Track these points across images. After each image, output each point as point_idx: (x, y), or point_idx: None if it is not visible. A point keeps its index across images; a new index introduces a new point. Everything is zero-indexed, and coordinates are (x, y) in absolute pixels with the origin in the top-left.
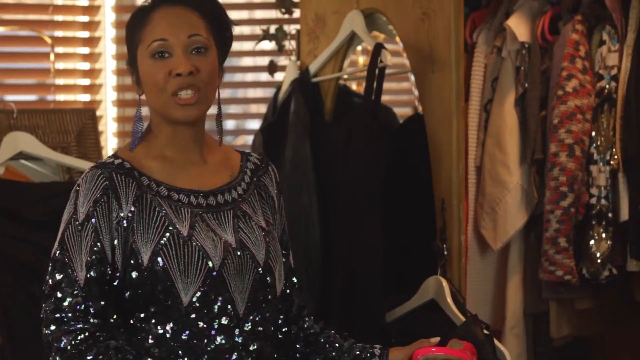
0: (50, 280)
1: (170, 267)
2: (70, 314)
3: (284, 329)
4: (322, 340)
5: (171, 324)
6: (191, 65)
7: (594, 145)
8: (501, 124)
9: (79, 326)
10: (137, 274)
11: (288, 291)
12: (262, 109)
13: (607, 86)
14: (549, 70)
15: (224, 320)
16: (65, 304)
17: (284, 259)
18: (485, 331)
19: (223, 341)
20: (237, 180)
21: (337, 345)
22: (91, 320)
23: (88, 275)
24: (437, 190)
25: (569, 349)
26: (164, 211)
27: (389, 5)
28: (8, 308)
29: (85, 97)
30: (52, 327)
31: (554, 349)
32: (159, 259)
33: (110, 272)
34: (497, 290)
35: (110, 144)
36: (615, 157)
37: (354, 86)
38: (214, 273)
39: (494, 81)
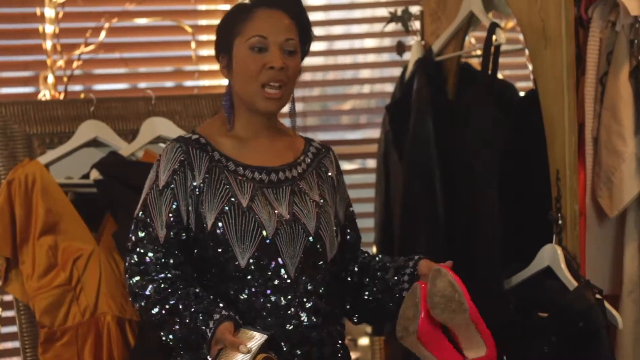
0: (133, 237)
1: (229, 232)
2: (152, 266)
3: (349, 270)
4: (372, 265)
5: (231, 284)
6: (283, 62)
7: None
8: (616, 96)
9: (161, 276)
10: (202, 236)
11: (355, 251)
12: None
13: None
14: None
15: (277, 282)
16: (148, 258)
17: (351, 226)
18: (598, 296)
19: (278, 299)
20: (299, 161)
21: (382, 264)
22: (172, 271)
23: (167, 235)
24: (552, 161)
25: None
26: (229, 183)
27: None
28: None
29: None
30: (137, 278)
31: None
32: (220, 224)
33: (185, 233)
34: (615, 256)
35: None
36: None
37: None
38: (267, 241)
39: (609, 54)
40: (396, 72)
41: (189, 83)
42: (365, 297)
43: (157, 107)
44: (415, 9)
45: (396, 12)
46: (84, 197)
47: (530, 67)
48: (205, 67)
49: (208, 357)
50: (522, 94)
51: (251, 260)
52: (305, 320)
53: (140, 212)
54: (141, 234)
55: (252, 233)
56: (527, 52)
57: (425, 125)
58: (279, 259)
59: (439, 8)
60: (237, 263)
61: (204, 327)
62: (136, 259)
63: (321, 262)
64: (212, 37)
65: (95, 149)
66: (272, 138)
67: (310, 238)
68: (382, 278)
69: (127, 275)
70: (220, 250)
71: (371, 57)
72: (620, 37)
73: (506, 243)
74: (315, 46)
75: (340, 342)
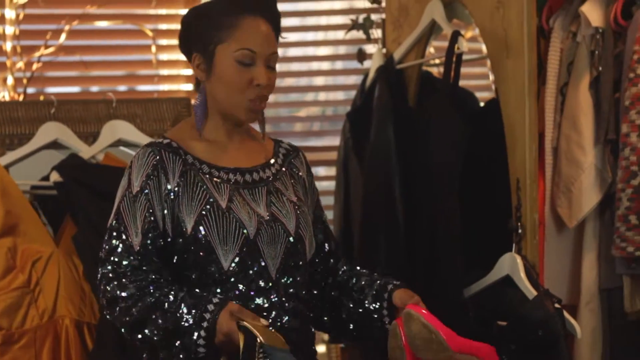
0: (107, 246)
1: (211, 235)
2: (129, 272)
3: (323, 283)
4: (350, 285)
5: (214, 288)
6: (268, 78)
7: None
8: (576, 106)
9: (140, 277)
10: (182, 241)
11: (328, 253)
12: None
13: None
14: (622, 54)
15: (261, 283)
16: (123, 267)
17: (320, 229)
18: (557, 305)
19: (261, 301)
20: (271, 162)
21: (359, 286)
22: (151, 276)
23: (143, 242)
24: (512, 170)
25: None
26: (205, 186)
27: None
28: None
29: (188, 87)
30: (114, 283)
31: (628, 323)
32: (201, 228)
33: (161, 239)
34: (573, 266)
35: None
36: None
37: None
38: (250, 241)
39: (569, 65)
40: (350, 80)
41: (148, 87)
42: (344, 317)
43: (118, 110)
44: (376, 17)
45: (357, 19)
46: (43, 199)
47: (491, 76)
48: (165, 71)
49: (198, 341)
50: (482, 103)
51: (235, 262)
52: (287, 322)
53: (114, 221)
54: (115, 243)
55: (234, 233)
56: (488, 61)
57: (386, 133)
58: (261, 260)
59: (401, 16)
60: (220, 266)
61: (195, 311)
62: (110, 268)
63: (301, 263)
64: (173, 41)
65: (56, 151)
66: (243, 141)
67: (291, 238)
68: (360, 303)
69: (101, 286)
70: (202, 254)
71: (325, 65)
72: (581, 47)
73: (466, 252)
74: None
75: (313, 345)
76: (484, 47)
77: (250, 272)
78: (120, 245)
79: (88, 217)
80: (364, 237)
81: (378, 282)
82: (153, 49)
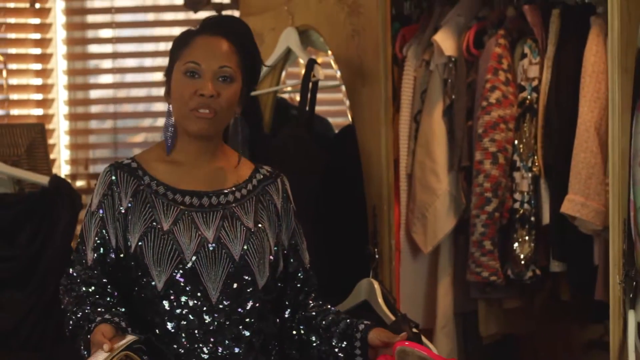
0: (70, 258)
1: (147, 255)
2: (76, 285)
3: (287, 314)
4: (318, 321)
5: (149, 307)
6: (214, 89)
7: (517, 152)
8: (430, 133)
9: (82, 289)
10: (126, 258)
11: (298, 285)
12: None
13: (529, 97)
14: (474, 83)
15: (198, 306)
16: (73, 277)
17: (293, 258)
18: (414, 330)
19: (197, 323)
20: (239, 187)
21: (329, 323)
22: (92, 288)
23: (94, 257)
24: (369, 196)
25: (500, 346)
26: (153, 207)
27: (321, 23)
28: None
29: (38, 112)
30: (64, 294)
31: (483, 347)
32: (139, 248)
33: (113, 255)
34: (429, 291)
35: (62, 156)
36: (537, 163)
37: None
38: (188, 264)
39: (423, 93)
40: None
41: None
42: (311, 352)
43: None
44: None
45: None
46: None
47: (347, 103)
48: (15, 95)
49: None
50: (337, 130)
51: (167, 284)
52: (227, 347)
53: (79, 235)
54: (74, 255)
55: (169, 255)
56: (343, 88)
57: None
58: (200, 283)
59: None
60: (153, 286)
61: (85, 330)
62: (65, 279)
63: (250, 289)
64: (23, 65)
65: None
66: (213, 163)
67: (234, 263)
68: (327, 341)
69: (60, 294)
70: (139, 272)
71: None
72: (434, 76)
73: (325, 278)
74: (106, 79)
75: None
76: (338, 73)
77: (185, 295)
78: (77, 258)
79: None
80: None
81: (345, 320)
82: (4, 73)
